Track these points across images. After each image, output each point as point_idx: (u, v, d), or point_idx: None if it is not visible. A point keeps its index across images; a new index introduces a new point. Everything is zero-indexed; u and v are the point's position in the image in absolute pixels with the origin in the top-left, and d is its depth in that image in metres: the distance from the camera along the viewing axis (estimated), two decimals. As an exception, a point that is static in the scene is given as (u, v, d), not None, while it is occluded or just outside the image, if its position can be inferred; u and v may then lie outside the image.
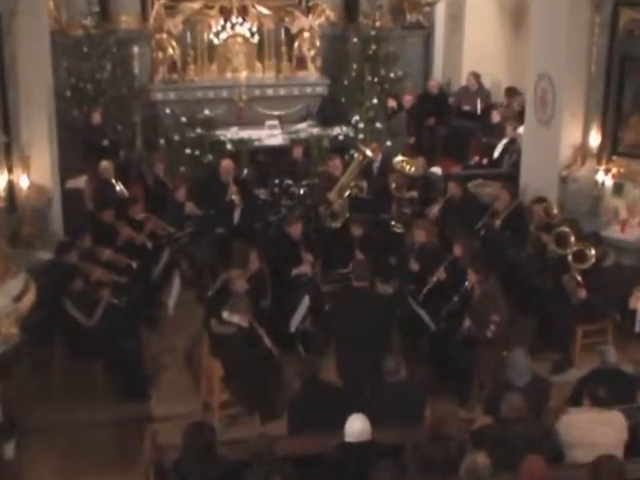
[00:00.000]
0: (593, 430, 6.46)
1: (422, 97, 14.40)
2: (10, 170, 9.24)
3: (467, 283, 8.58)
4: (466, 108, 14.21)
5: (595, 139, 10.39)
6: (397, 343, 8.20)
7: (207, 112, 12.88)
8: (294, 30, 13.62)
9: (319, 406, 6.87)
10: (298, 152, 12.07)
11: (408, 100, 13.94)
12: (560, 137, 10.51)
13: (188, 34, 13.29)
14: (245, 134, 12.92)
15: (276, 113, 13.54)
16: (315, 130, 13.25)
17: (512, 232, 10.04)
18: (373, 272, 8.21)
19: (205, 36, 13.43)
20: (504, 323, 8.23)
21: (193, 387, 8.59)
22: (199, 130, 12.59)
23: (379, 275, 8.24)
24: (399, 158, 11.50)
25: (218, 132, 12.82)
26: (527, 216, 10.33)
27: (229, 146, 12.62)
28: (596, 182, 10.32)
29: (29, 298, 7.19)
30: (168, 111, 12.96)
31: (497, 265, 9.30)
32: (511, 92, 14.22)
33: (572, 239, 9.12)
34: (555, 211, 10.02)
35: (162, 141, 12.60)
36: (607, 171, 10.28)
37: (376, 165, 11.68)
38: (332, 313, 8.20)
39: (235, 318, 7.96)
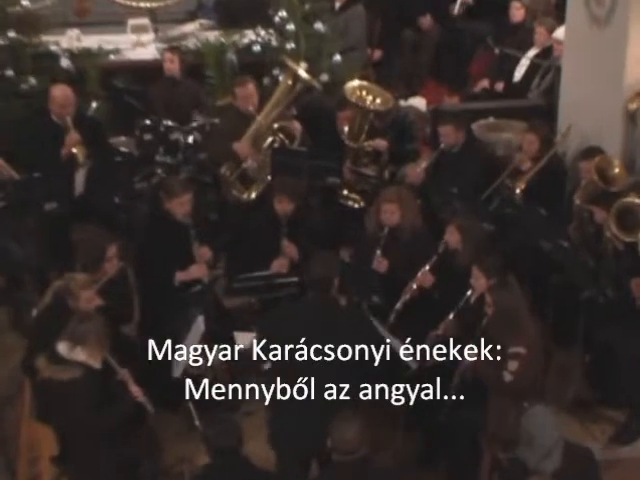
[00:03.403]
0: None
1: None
2: None
3: (470, 292, 8.73)
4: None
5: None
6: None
7: (25, 2, 12.83)
8: None
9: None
10: (177, 70, 12.07)
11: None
12: (626, 45, 10.61)
13: None
14: (93, 41, 12.95)
15: (145, 5, 13.54)
16: (212, 35, 13.31)
17: (544, 205, 10.15)
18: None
19: None
20: (532, 359, 8.34)
21: (5, 473, 8.58)
22: (12, 34, 12.55)
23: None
24: (355, 83, 11.56)
25: (46, 38, 12.80)
26: (570, 179, 10.48)
27: (65, 62, 12.62)
28: (686, 122, 10.56)
29: None
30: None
31: (520, 262, 9.44)
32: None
33: (645, 217, 9.31)
34: (617, 170, 10.15)
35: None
36: None
37: (316, 96, 11.77)
38: (264, 342, 8.09)
39: (79, 354, 7.94)
